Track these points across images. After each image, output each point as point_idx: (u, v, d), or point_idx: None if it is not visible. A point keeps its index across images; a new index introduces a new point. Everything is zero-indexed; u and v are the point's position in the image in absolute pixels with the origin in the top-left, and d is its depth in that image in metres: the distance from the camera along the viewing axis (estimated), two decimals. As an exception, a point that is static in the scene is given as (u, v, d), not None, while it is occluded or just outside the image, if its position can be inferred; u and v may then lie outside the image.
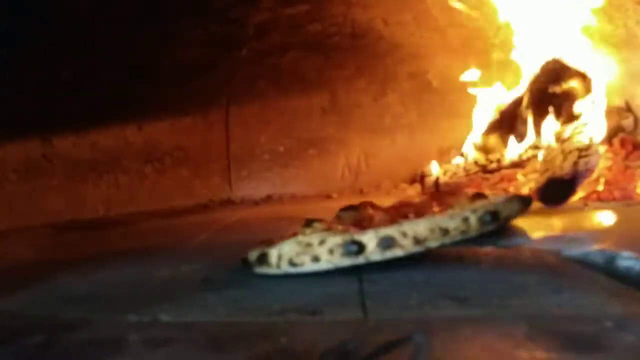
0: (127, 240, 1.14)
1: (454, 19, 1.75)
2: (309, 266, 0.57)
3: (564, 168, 1.30)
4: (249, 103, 1.87)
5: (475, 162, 1.77)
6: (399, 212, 0.68)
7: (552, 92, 1.70)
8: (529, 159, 1.65)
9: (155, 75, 1.65)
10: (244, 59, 1.79)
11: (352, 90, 1.97)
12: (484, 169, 1.75)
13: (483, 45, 1.80)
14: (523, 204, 0.66)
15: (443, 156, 1.83)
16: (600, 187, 1.36)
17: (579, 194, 1.33)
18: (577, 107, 1.52)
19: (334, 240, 0.57)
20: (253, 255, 0.63)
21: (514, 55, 1.75)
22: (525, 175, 1.54)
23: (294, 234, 0.61)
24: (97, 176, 1.67)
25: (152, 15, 1.51)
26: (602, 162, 1.30)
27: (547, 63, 1.70)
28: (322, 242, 0.57)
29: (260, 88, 1.86)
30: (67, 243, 1.17)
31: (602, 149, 1.35)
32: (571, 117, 1.51)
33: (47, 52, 1.40)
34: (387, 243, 0.56)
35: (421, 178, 1.84)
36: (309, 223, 0.62)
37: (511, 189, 1.57)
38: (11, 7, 1.21)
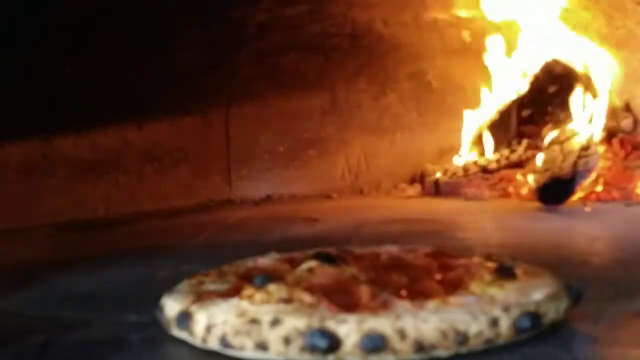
0: (127, 240, 1.14)
1: (454, 20, 1.75)
2: (249, 353, 0.41)
3: (564, 168, 1.30)
4: (249, 103, 1.87)
5: (475, 162, 1.78)
6: (387, 275, 0.51)
7: (551, 92, 1.70)
8: (528, 159, 1.65)
9: (155, 75, 1.65)
10: (244, 59, 1.79)
11: (352, 91, 1.97)
12: (484, 169, 1.75)
13: (483, 45, 1.80)
14: (575, 297, 0.47)
15: (443, 156, 1.83)
16: (600, 188, 1.37)
17: (578, 194, 1.33)
18: (577, 107, 1.52)
19: (294, 324, 0.40)
20: (172, 308, 0.47)
21: (515, 56, 1.75)
22: (524, 175, 1.55)
23: (239, 289, 0.46)
24: (97, 176, 1.67)
25: (152, 15, 1.51)
26: (601, 162, 1.30)
27: (547, 63, 1.70)
28: (275, 323, 0.40)
29: (260, 88, 1.85)
30: (68, 242, 1.17)
31: (602, 149, 1.36)
32: (570, 118, 1.51)
33: (48, 52, 1.40)
34: (374, 343, 0.39)
35: (421, 178, 1.84)
36: (264, 280, 0.45)
37: (510, 189, 1.57)
38: (11, 6, 1.21)
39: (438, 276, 0.52)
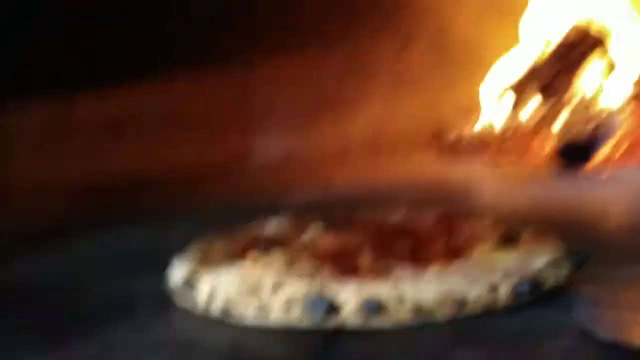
0: (144, 203, 1.15)
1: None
2: (250, 318, 0.42)
3: (584, 132, 1.27)
4: (267, 61, 1.85)
5: (495, 125, 1.75)
6: (392, 241, 0.50)
7: (577, 53, 1.65)
8: (549, 122, 1.61)
9: (173, 34, 1.64)
10: (263, 15, 1.78)
11: (372, 48, 1.94)
12: (504, 132, 1.72)
13: (509, 3, 1.75)
14: (577, 264, 0.47)
15: (463, 117, 1.80)
16: (621, 152, 1.34)
17: (599, 158, 1.30)
18: (603, 70, 1.48)
19: (294, 290, 0.41)
20: (178, 276, 0.47)
21: (542, 15, 1.70)
22: (544, 139, 1.52)
23: (244, 252, 0.47)
24: (116, 139, 1.69)
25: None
26: (624, 126, 1.27)
27: (575, 24, 1.65)
28: (276, 288, 0.41)
29: (278, 46, 1.84)
30: (83, 207, 1.19)
31: (624, 114, 1.32)
32: (595, 81, 1.47)
33: (68, 11, 1.40)
34: (373, 308, 0.40)
35: (440, 139, 1.83)
36: (267, 246, 0.46)
37: (529, 153, 1.55)
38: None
39: (443, 241, 0.51)
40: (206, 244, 0.56)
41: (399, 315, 0.40)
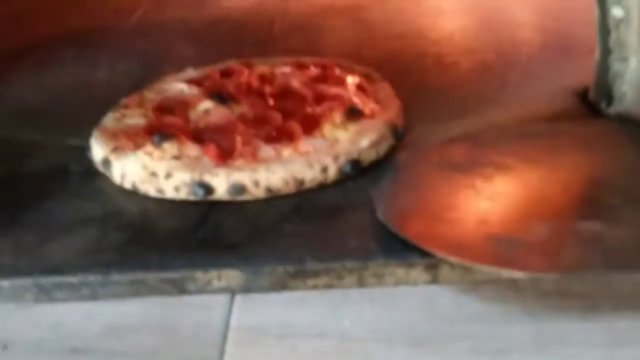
0: (68, 16, 1.20)
1: None
2: (152, 194, 0.58)
3: None
4: None
5: None
6: (270, 109, 0.66)
7: None
8: None
9: None
10: None
11: None
12: None
13: None
14: (393, 138, 0.63)
15: None
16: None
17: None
18: None
19: (181, 177, 0.56)
20: (97, 153, 0.62)
21: None
22: None
23: (147, 135, 0.61)
24: None
25: None
26: None
27: None
28: (168, 176, 0.57)
29: None
30: (10, 17, 1.23)
31: None
32: None
33: None
34: (237, 190, 0.56)
35: None
36: (160, 139, 0.60)
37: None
38: None
39: (311, 107, 0.66)
40: (120, 111, 0.69)
41: (255, 193, 0.57)
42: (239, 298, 0.50)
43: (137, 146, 0.61)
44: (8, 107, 0.81)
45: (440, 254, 0.48)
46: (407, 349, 0.47)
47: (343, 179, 0.59)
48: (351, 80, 0.72)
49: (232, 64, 0.79)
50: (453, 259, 0.47)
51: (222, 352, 0.46)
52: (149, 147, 0.60)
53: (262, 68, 0.77)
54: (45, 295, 0.50)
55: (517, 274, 0.45)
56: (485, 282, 0.50)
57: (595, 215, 0.50)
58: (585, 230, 0.48)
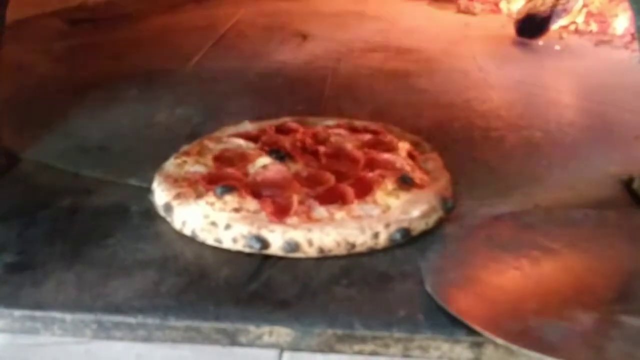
0: (130, 54, 1.27)
1: None
2: (210, 242, 0.61)
3: (547, 2, 1.35)
4: None
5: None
6: (323, 170, 0.69)
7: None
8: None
9: None
10: None
11: None
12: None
13: None
14: (443, 210, 0.65)
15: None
16: (581, 19, 1.42)
17: (560, 22, 1.39)
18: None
19: (240, 229, 0.59)
20: (159, 198, 0.66)
21: None
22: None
23: (208, 184, 0.64)
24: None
25: None
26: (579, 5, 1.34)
27: None
28: (227, 227, 0.60)
29: None
30: (78, 48, 1.30)
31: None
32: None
33: None
34: (291, 247, 0.58)
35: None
36: (223, 192, 0.62)
37: (502, 5, 1.60)
38: None
39: (363, 172, 0.69)
40: (182, 158, 0.73)
41: (308, 252, 0.60)
42: (286, 355, 0.52)
43: (199, 195, 0.64)
44: (72, 142, 0.86)
45: (486, 333, 0.49)
46: None
47: (392, 246, 0.61)
48: (402, 147, 0.75)
49: (288, 120, 0.83)
50: (499, 340, 0.49)
51: (270, 406, 0.48)
52: (211, 198, 0.62)
53: (316, 128, 0.81)
54: (104, 332, 0.53)
55: (561, 361, 0.47)
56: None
57: (639, 310, 0.51)
58: (629, 325, 0.50)
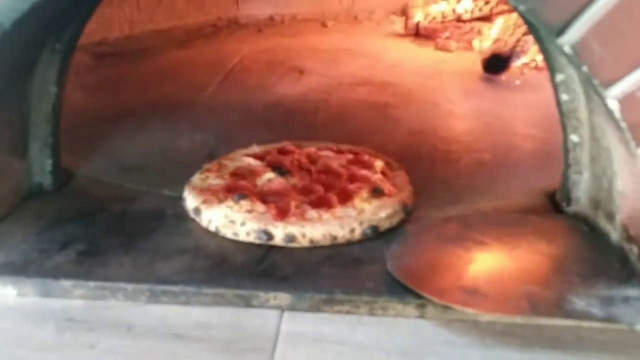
0: (152, 87, 1.48)
1: None
2: (229, 236, 0.81)
3: (509, 44, 1.57)
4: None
5: (454, 10, 2.00)
6: (315, 183, 0.90)
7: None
8: (497, 15, 1.88)
9: None
10: None
11: None
12: (459, 19, 1.99)
13: None
14: (404, 214, 0.86)
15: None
16: (540, 57, 1.65)
17: (522, 60, 1.62)
18: None
19: (253, 226, 0.79)
20: (190, 203, 0.86)
21: None
22: (487, 32, 1.80)
23: (227, 193, 0.85)
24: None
25: None
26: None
27: None
28: (243, 224, 0.79)
29: None
30: (107, 82, 1.52)
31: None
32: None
33: None
34: (290, 239, 0.78)
35: (406, 17, 2.08)
36: (239, 198, 0.83)
37: (475, 43, 1.83)
38: None
39: (345, 184, 0.90)
40: (205, 174, 0.94)
41: (302, 243, 0.80)
42: (286, 314, 0.72)
43: (221, 201, 0.85)
44: (113, 161, 1.07)
45: (428, 296, 0.70)
46: (399, 357, 0.67)
47: (365, 240, 0.82)
48: (378, 166, 0.96)
49: (287, 144, 1.05)
50: (437, 301, 0.69)
51: (274, 347, 0.68)
52: (230, 203, 0.84)
53: (309, 150, 1.02)
54: (155, 298, 0.74)
55: (477, 314, 0.67)
56: (458, 320, 0.71)
57: (536, 283, 0.72)
58: (526, 291, 0.70)
